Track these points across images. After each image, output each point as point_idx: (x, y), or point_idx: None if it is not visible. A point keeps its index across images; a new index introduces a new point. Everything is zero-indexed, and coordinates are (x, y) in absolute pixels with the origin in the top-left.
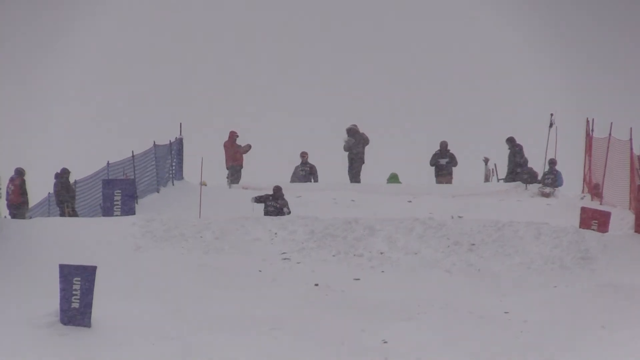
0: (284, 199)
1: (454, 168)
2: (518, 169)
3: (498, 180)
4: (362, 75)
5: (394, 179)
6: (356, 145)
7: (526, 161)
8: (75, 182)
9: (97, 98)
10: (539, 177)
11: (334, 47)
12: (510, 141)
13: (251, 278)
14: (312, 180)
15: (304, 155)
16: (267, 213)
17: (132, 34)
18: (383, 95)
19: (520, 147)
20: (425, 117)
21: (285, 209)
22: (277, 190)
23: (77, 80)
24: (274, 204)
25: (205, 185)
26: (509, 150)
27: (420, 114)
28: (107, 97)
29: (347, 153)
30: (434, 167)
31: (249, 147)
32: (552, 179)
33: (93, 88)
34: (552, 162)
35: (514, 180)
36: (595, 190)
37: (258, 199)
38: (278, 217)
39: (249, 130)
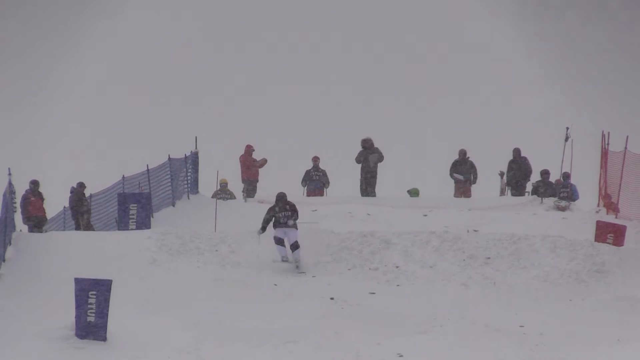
0: (291, 204)
1: (473, 185)
2: (521, 180)
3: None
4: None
5: (415, 193)
6: (370, 162)
7: (530, 172)
8: (91, 195)
9: (112, 110)
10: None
11: (349, 59)
12: (517, 152)
13: (267, 292)
14: (326, 184)
15: (315, 159)
16: (279, 225)
17: (150, 45)
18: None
19: (525, 159)
20: (442, 130)
21: (294, 218)
22: (279, 198)
23: (92, 92)
24: (285, 213)
25: (265, 162)
26: (511, 160)
27: (437, 126)
28: (121, 109)
29: (360, 168)
30: (453, 180)
31: (264, 161)
32: (568, 192)
33: (107, 99)
34: (567, 176)
35: (517, 189)
36: (607, 200)
37: (265, 223)
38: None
39: (264, 145)
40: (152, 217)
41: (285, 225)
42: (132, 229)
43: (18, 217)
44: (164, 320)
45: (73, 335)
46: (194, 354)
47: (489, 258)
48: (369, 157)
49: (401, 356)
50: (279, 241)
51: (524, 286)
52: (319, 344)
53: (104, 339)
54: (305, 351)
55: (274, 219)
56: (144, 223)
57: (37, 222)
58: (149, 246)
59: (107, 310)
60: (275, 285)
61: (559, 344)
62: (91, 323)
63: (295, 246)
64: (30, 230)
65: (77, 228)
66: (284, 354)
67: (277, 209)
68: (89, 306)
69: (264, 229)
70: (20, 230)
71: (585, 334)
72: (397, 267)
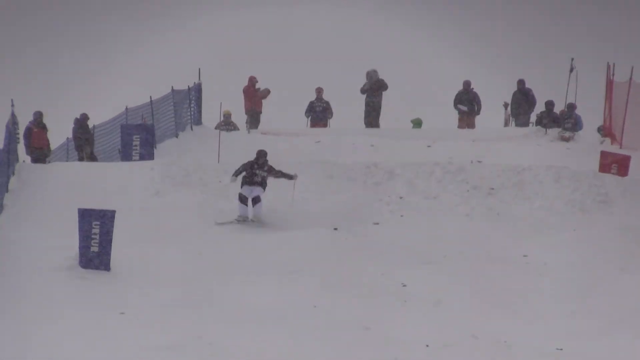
0: (269, 166)
1: (477, 116)
2: (524, 110)
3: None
4: (380, 20)
5: (417, 123)
6: (375, 91)
7: (534, 103)
8: (94, 127)
9: (114, 41)
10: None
11: None
12: (521, 83)
13: (271, 221)
14: (329, 116)
15: (319, 91)
16: (250, 183)
17: None
18: (403, 38)
19: (529, 90)
20: (446, 60)
21: (273, 175)
22: (262, 155)
23: (96, 25)
24: (260, 172)
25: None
26: (516, 91)
27: (442, 57)
28: (125, 43)
29: (365, 97)
30: (456, 111)
31: (267, 91)
32: (572, 123)
33: (111, 33)
34: (572, 107)
35: (520, 120)
36: (607, 131)
37: (238, 172)
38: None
39: (268, 76)
40: (155, 148)
41: (253, 185)
42: (135, 160)
43: (21, 148)
44: (167, 251)
45: (77, 266)
46: (197, 284)
47: (492, 189)
48: (372, 76)
49: (405, 286)
50: (243, 199)
51: (528, 217)
52: (322, 274)
53: (108, 269)
54: (309, 282)
55: (246, 173)
56: (147, 154)
57: (40, 153)
58: (152, 177)
59: (111, 241)
60: (279, 215)
61: (563, 273)
62: (95, 253)
63: (256, 200)
64: (34, 161)
65: (81, 159)
66: (288, 285)
67: (255, 165)
68: (93, 237)
69: (236, 175)
70: (24, 161)
71: (589, 264)
72: (400, 198)
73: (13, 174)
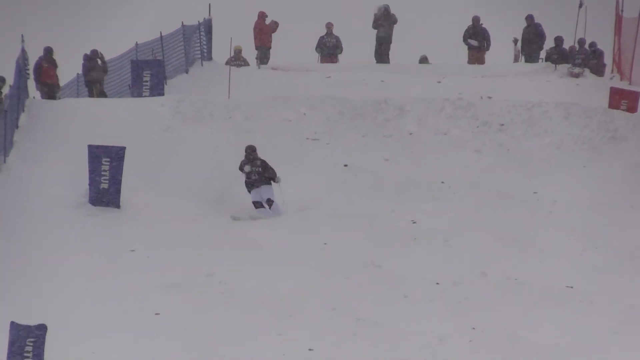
0: (262, 161)
1: (487, 51)
2: (534, 47)
3: (517, 47)
4: None
5: (423, 61)
6: (385, 25)
7: (543, 39)
8: (104, 62)
9: None
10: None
11: None
12: (530, 18)
13: (281, 159)
14: (339, 51)
15: (329, 26)
16: (253, 185)
17: None
18: None
19: (538, 25)
20: None
21: (267, 174)
22: (251, 150)
23: None
24: (255, 169)
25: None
26: (525, 27)
27: None
28: None
29: (376, 33)
30: (466, 47)
31: (275, 24)
32: (583, 59)
33: None
34: (582, 42)
35: (531, 56)
36: (617, 67)
37: (243, 169)
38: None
39: (278, 11)
40: (166, 84)
41: (257, 186)
42: (145, 96)
43: (31, 84)
44: (178, 187)
45: (86, 203)
46: (207, 223)
47: (502, 125)
48: (381, 10)
49: (414, 222)
50: (259, 205)
51: (538, 153)
52: (333, 211)
53: (118, 206)
54: (319, 219)
55: (245, 176)
56: (157, 90)
57: (50, 89)
58: (162, 113)
59: (121, 178)
60: (289, 151)
61: (573, 210)
62: (105, 190)
63: (269, 202)
64: (44, 97)
65: (91, 95)
66: (298, 223)
67: (248, 165)
68: (103, 174)
69: (242, 169)
70: (34, 97)
71: (599, 200)
72: (410, 134)
73: (23, 110)
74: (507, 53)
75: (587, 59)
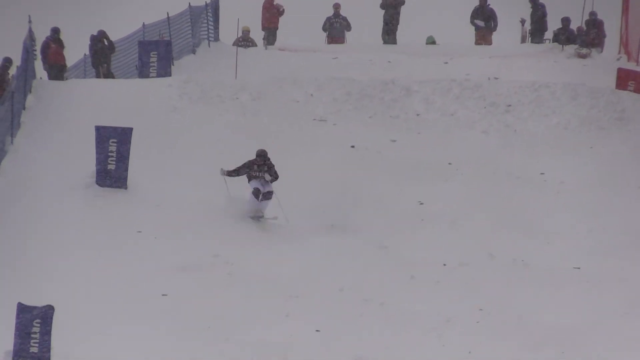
0: (269, 164)
1: (494, 32)
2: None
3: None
4: None
5: (431, 42)
6: (393, 6)
7: (543, 16)
8: (112, 43)
9: None
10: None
11: None
12: (532, 1)
13: (288, 139)
14: (347, 30)
15: (337, 6)
16: (255, 178)
17: None
18: None
19: (542, 5)
20: None
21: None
22: (261, 155)
23: None
24: (263, 175)
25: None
26: (531, 9)
27: None
28: None
29: (383, 14)
30: (473, 28)
31: (282, 8)
32: (596, 32)
33: None
34: (593, 13)
35: (540, 39)
36: (625, 48)
37: (236, 172)
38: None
39: None
40: (173, 64)
41: (262, 178)
42: (152, 77)
43: (38, 65)
44: (185, 168)
45: (94, 183)
46: (213, 203)
47: (509, 106)
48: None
49: (422, 204)
50: (257, 192)
51: (545, 134)
52: (340, 191)
53: (125, 187)
54: (326, 198)
55: (250, 177)
56: (164, 71)
57: (57, 69)
58: (169, 94)
59: (128, 158)
60: (296, 131)
61: (580, 191)
62: (112, 171)
63: (266, 196)
64: (51, 78)
65: (98, 76)
66: (305, 201)
67: (255, 166)
68: (110, 154)
69: (233, 173)
70: (41, 78)
71: (606, 182)
72: (417, 115)
73: (30, 91)
74: (514, 34)
75: (589, 31)
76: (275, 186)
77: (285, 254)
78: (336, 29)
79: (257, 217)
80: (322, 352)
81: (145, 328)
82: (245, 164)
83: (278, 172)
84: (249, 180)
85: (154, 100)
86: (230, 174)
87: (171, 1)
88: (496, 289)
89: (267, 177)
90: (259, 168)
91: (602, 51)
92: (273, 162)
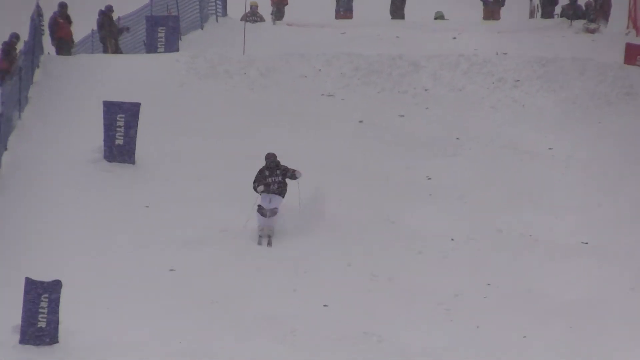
0: (283, 167)
1: (502, 7)
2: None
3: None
4: None
5: (440, 17)
6: None
7: None
8: (119, 18)
9: None
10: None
11: None
12: None
13: (296, 115)
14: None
15: None
16: (268, 191)
17: None
18: None
19: None
20: None
21: (288, 176)
22: (271, 158)
23: None
24: (274, 178)
25: None
26: None
27: None
28: None
29: None
30: (482, 3)
31: None
32: (601, 3)
33: None
34: None
35: (550, 14)
36: (633, 22)
37: (256, 186)
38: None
39: None
40: (181, 40)
41: (272, 192)
42: (160, 52)
43: (46, 40)
44: (193, 143)
45: (101, 159)
46: (221, 178)
47: (518, 81)
48: None
49: (430, 179)
50: (261, 210)
51: (553, 109)
52: (348, 167)
53: (132, 162)
54: (334, 173)
55: (264, 185)
56: (172, 46)
57: (65, 45)
58: (177, 69)
59: (136, 134)
60: (304, 108)
61: (588, 166)
62: (119, 146)
63: (273, 212)
64: (59, 53)
65: (105, 51)
66: (313, 177)
67: (267, 172)
68: (117, 129)
69: (257, 189)
70: (49, 53)
71: (614, 156)
72: (426, 90)
73: (38, 66)
74: (522, 9)
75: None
76: (284, 161)
77: (293, 229)
78: (344, 3)
79: (267, 235)
80: (329, 327)
81: (152, 303)
82: (257, 174)
83: (298, 170)
84: (261, 191)
85: (161, 75)
86: (256, 189)
87: None
88: (504, 264)
89: (276, 179)
90: (271, 173)
91: (607, 23)
92: (287, 163)
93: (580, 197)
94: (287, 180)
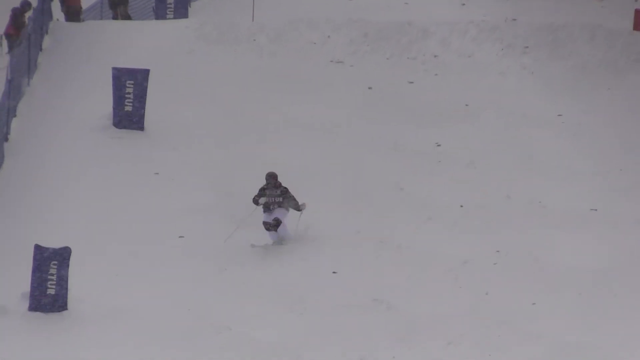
0: (283, 188)
1: None
2: None
3: None
4: None
5: None
6: None
7: None
8: None
9: None
10: None
11: None
12: None
13: (305, 81)
14: None
15: None
16: (268, 211)
17: None
18: None
19: None
20: None
21: (288, 204)
22: (272, 178)
23: None
24: (275, 199)
25: None
26: None
27: None
28: None
29: None
30: None
31: None
32: None
33: None
34: None
35: None
36: None
37: (257, 201)
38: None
39: None
40: (190, 6)
41: (275, 203)
42: (169, 19)
43: (55, 6)
44: (200, 110)
45: (111, 125)
46: (230, 145)
47: (527, 47)
48: None
49: (439, 146)
50: (268, 227)
51: (562, 75)
52: (358, 134)
53: (142, 129)
54: (344, 141)
55: (265, 202)
56: (181, 13)
57: (74, 11)
58: (186, 36)
59: (145, 100)
60: (314, 74)
61: (598, 133)
62: (129, 113)
63: (277, 222)
64: (68, 19)
65: (115, 18)
66: (322, 144)
67: (267, 191)
68: (127, 96)
69: (256, 202)
70: (58, 20)
71: (623, 123)
72: (435, 56)
73: (47, 32)
74: None
75: None
76: (292, 135)
77: (302, 195)
78: None
79: (278, 243)
80: (338, 294)
81: (161, 269)
82: (258, 191)
83: (304, 203)
84: (264, 212)
85: (170, 42)
86: (256, 203)
87: None
88: (513, 231)
89: (276, 199)
90: (270, 192)
91: None
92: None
93: (590, 164)
94: (291, 209)
